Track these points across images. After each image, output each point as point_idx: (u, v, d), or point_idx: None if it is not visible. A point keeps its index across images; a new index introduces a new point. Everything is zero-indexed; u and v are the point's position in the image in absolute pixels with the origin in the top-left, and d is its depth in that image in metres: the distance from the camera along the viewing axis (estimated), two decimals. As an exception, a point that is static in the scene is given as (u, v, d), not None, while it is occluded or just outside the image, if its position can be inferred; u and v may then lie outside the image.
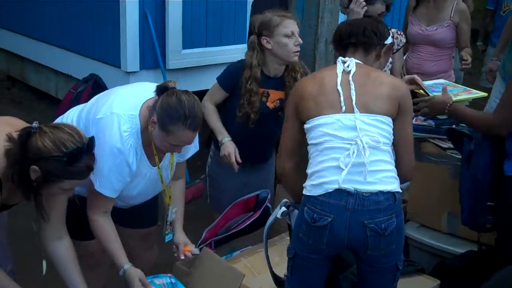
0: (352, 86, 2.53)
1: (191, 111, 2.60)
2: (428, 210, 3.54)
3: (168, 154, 2.95)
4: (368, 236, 2.44)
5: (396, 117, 2.58)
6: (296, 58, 3.46)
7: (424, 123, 3.51)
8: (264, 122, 3.51)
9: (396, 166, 2.57)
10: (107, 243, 2.83)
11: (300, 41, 3.42)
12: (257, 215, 3.46)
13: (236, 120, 3.49)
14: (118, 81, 5.81)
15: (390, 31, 2.86)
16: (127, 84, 5.61)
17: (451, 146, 3.41)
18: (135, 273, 2.78)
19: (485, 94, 3.72)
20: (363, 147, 2.44)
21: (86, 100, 6.08)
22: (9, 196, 2.46)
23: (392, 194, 2.47)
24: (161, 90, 2.67)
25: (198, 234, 3.40)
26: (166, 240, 3.13)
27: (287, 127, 2.74)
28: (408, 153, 2.66)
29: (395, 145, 2.61)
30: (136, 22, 5.55)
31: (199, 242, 3.51)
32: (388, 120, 2.54)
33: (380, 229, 2.43)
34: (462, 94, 3.57)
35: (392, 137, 2.57)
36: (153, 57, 5.66)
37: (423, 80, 3.34)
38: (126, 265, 2.78)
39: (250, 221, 3.45)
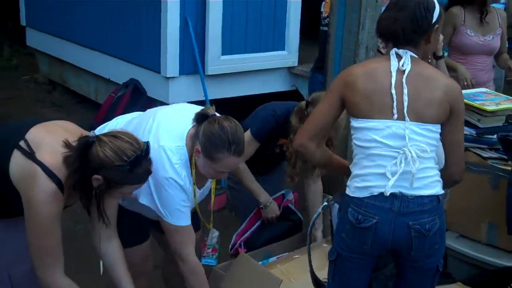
0: (405, 91, 2.45)
1: (235, 137, 2.64)
2: (467, 220, 3.49)
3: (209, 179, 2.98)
4: (413, 237, 2.44)
5: (447, 120, 2.51)
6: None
7: (465, 132, 3.48)
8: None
9: (445, 168, 2.55)
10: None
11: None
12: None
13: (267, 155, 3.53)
14: (158, 86, 5.88)
15: None
16: (167, 89, 5.75)
17: (492, 155, 3.37)
18: None
19: (528, 103, 3.67)
20: (412, 156, 2.42)
21: (126, 105, 6.19)
22: (68, 200, 2.52)
23: (436, 196, 2.47)
24: (202, 117, 2.70)
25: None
26: (203, 263, 3.14)
27: (322, 110, 2.64)
28: (458, 156, 2.60)
29: (446, 147, 2.56)
30: (177, 28, 5.62)
31: (230, 246, 3.54)
32: (437, 127, 2.50)
33: (425, 230, 2.43)
34: (505, 103, 3.53)
35: (439, 141, 2.53)
36: (192, 63, 5.71)
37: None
38: None
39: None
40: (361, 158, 2.53)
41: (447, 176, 2.55)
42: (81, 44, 7.00)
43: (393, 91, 2.45)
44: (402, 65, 2.48)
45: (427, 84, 2.49)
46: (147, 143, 2.47)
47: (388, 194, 2.43)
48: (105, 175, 2.36)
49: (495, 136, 3.45)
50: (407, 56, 2.50)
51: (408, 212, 2.43)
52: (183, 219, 2.80)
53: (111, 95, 6.19)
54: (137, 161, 2.38)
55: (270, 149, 3.51)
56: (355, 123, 2.54)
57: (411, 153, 2.42)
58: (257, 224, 3.59)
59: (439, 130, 2.51)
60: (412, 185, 2.43)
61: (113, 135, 2.43)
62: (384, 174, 2.44)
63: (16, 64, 9.07)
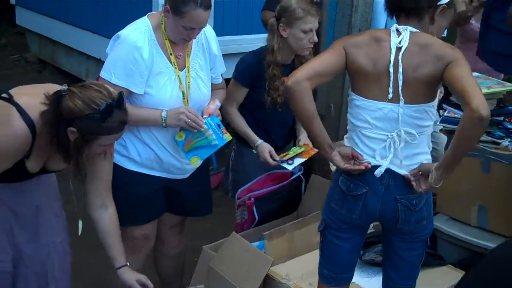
0: (400, 69, 2.40)
1: None
2: (458, 203, 3.51)
3: (193, 64, 2.99)
4: (400, 211, 2.49)
5: (446, 70, 2.36)
6: (307, 53, 3.42)
7: (457, 116, 3.48)
8: (286, 105, 3.48)
9: (465, 106, 2.26)
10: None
11: (316, 39, 3.38)
12: (290, 180, 3.60)
13: (265, 107, 3.47)
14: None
15: None
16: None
17: (484, 138, 3.38)
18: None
19: (519, 87, 3.68)
20: (399, 142, 2.44)
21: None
22: (50, 162, 2.52)
23: None
24: None
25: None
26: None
27: (325, 57, 2.55)
28: (473, 88, 2.27)
29: (456, 87, 2.33)
30: (168, 8, 5.57)
31: (236, 196, 3.54)
32: (430, 106, 2.46)
33: (411, 205, 2.49)
34: (496, 86, 3.53)
35: (434, 116, 2.51)
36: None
37: None
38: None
39: (288, 181, 3.60)
40: (353, 135, 2.56)
41: (471, 114, 2.22)
42: (72, 23, 6.94)
43: (391, 70, 2.42)
44: (400, 42, 2.44)
45: (423, 53, 2.41)
46: (121, 93, 2.43)
47: (379, 175, 2.46)
48: (79, 127, 2.33)
49: (486, 119, 3.45)
50: (407, 32, 2.45)
51: (396, 186, 2.48)
52: (116, 74, 2.81)
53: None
54: (108, 109, 2.34)
55: (263, 94, 3.46)
56: (351, 95, 2.55)
57: (400, 137, 2.44)
58: (270, 188, 3.57)
59: (432, 106, 2.47)
60: (401, 165, 2.47)
61: (83, 85, 2.40)
62: (373, 157, 2.48)
63: (5, 43, 9.02)
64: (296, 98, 2.48)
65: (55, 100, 2.34)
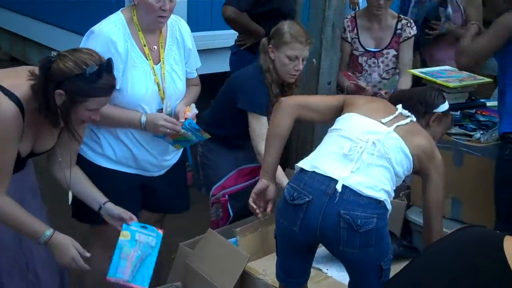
0: (399, 124, 2.55)
1: None
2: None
3: (168, 58, 2.99)
4: (341, 228, 2.34)
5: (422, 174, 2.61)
6: (291, 80, 3.44)
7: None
8: None
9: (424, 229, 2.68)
10: None
11: (301, 68, 3.40)
12: None
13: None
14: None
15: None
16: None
17: (456, 131, 3.42)
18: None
19: (490, 80, 3.73)
20: (372, 149, 2.44)
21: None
22: (38, 143, 2.57)
23: (375, 200, 2.38)
24: None
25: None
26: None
27: (326, 99, 2.84)
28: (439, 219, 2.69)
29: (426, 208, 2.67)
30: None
31: (210, 194, 3.57)
32: (410, 161, 2.52)
33: (355, 224, 2.32)
34: (468, 80, 3.57)
35: (403, 176, 2.55)
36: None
37: None
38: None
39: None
40: (325, 140, 2.58)
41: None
42: (44, 21, 6.88)
43: (388, 116, 2.57)
44: (402, 113, 2.61)
45: (415, 137, 2.57)
46: (110, 59, 2.50)
47: (329, 175, 2.39)
48: (67, 88, 2.38)
49: (458, 112, 3.50)
50: (413, 118, 2.63)
51: (342, 199, 2.35)
52: None
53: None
54: (98, 70, 2.40)
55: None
56: (339, 117, 2.63)
57: (374, 146, 2.44)
58: (244, 184, 3.58)
59: (410, 165, 2.54)
60: (358, 178, 2.38)
61: (73, 49, 2.48)
62: (338, 154, 2.44)
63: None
64: (279, 113, 2.70)
65: (44, 65, 2.39)
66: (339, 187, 2.35)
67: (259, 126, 3.39)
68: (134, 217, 2.76)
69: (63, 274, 2.98)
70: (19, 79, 2.44)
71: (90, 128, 2.97)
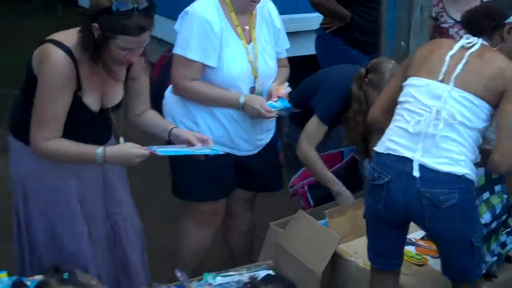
0: (463, 61, 2.44)
1: None
2: None
3: (259, 37, 3.04)
4: (424, 205, 2.37)
5: (500, 101, 2.43)
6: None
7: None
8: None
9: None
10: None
11: None
12: (347, 160, 3.62)
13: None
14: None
15: None
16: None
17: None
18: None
19: None
20: (438, 118, 2.39)
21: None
22: (106, 97, 2.67)
23: (454, 175, 2.37)
24: None
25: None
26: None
27: (389, 85, 2.78)
28: (504, 142, 2.43)
29: (497, 129, 2.47)
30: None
31: (289, 185, 3.62)
32: (481, 103, 2.42)
33: (437, 200, 2.35)
34: None
35: (484, 122, 2.46)
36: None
37: None
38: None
39: (340, 165, 3.60)
40: (395, 113, 2.57)
41: (490, 162, 2.47)
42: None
43: (447, 58, 2.46)
44: (468, 43, 2.48)
45: (482, 60, 2.45)
46: (151, 2, 2.49)
47: (403, 154, 2.42)
48: (100, 21, 2.44)
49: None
50: (479, 41, 2.49)
51: (421, 177, 2.37)
52: (190, 49, 2.90)
53: (164, 54, 6.21)
54: (128, 8, 2.41)
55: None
56: (404, 83, 2.59)
57: (439, 115, 2.38)
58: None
59: (486, 110, 2.44)
60: (430, 151, 2.38)
61: None
62: (406, 130, 2.44)
63: (69, 25, 9.14)
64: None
65: (91, 6, 2.47)
66: (415, 166, 2.37)
67: (314, 130, 3.36)
68: (202, 136, 2.79)
69: (144, 252, 3.07)
70: (70, 33, 2.55)
71: (187, 107, 3.06)
